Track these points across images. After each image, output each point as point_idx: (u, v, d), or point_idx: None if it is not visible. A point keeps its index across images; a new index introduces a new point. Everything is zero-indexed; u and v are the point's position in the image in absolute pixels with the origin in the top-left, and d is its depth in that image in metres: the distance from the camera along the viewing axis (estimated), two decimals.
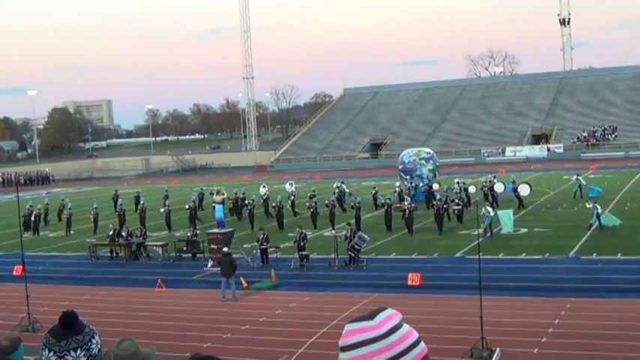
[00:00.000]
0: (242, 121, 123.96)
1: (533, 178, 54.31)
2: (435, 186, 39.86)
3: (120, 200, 40.57)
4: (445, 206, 32.34)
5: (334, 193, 40.18)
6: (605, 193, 40.56)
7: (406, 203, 32.23)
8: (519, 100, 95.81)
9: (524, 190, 37.81)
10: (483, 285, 16.32)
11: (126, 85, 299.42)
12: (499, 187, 38.41)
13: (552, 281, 21.35)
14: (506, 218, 28.74)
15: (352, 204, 35.14)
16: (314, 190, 40.30)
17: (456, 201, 34.06)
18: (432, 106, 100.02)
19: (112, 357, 2.81)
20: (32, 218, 38.77)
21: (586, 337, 15.80)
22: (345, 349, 2.09)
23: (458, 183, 38.51)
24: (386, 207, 32.89)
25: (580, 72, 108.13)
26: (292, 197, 39.92)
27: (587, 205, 30.03)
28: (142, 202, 39.77)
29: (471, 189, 39.17)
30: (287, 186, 43.73)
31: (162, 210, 37.41)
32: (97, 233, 36.08)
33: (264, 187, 42.55)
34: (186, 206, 38.00)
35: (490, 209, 30.18)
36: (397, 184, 41.72)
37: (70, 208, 39.23)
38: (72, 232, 37.70)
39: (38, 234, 38.22)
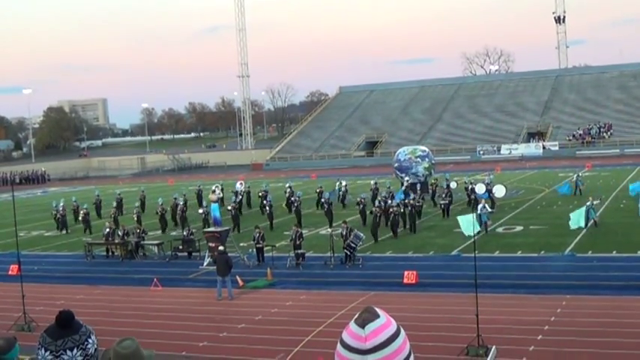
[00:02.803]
0: (238, 119, 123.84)
1: (528, 176, 54.46)
2: (453, 184, 39.23)
3: (161, 200, 39.24)
4: (382, 210, 31.88)
5: (285, 192, 40.03)
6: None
7: (395, 202, 32.03)
8: (515, 98, 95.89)
9: (499, 191, 36.64)
10: (479, 283, 16.32)
11: (121, 84, 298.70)
12: (480, 189, 36.66)
13: (548, 279, 21.40)
14: (467, 222, 28.15)
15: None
16: (266, 191, 40.14)
17: (443, 196, 36.00)
18: (427, 105, 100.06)
19: (112, 354, 2.81)
20: (80, 217, 37.95)
21: (582, 335, 15.83)
22: None
23: (446, 180, 38.85)
24: (361, 206, 33.90)
25: (575, 70, 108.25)
26: (240, 197, 39.90)
27: (587, 204, 29.90)
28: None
29: (452, 184, 38.93)
30: (237, 185, 43.26)
31: (200, 211, 35.47)
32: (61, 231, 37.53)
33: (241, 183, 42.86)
34: (229, 207, 36.75)
35: (487, 206, 30.11)
36: (387, 182, 41.64)
37: (115, 206, 39.85)
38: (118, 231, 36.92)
39: (91, 231, 36.72)
